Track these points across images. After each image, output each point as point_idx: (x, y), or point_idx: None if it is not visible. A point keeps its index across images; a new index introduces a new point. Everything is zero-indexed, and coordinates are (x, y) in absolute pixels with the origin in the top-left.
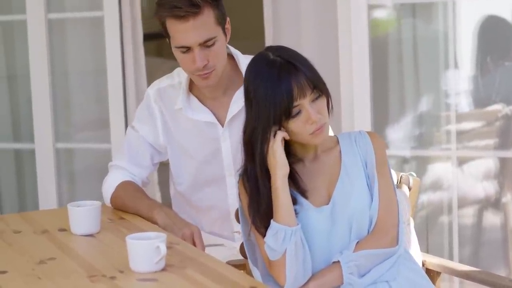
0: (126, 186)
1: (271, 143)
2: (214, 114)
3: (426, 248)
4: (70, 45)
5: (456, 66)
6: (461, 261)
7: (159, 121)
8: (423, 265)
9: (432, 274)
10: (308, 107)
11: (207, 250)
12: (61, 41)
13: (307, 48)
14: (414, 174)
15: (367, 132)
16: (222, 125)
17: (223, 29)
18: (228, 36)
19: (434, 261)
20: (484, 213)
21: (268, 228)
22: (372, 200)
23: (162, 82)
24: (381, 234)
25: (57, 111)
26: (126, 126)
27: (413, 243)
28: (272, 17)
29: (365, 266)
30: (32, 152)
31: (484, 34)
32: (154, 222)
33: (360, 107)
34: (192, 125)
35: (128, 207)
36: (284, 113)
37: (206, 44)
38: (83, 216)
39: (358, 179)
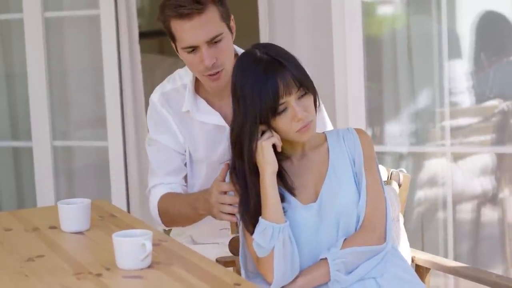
0: (164, 200)
1: (259, 141)
2: (222, 115)
3: (421, 244)
4: (67, 43)
5: (453, 61)
6: (457, 258)
7: (172, 122)
8: (412, 261)
9: (421, 270)
10: (294, 105)
11: (202, 248)
12: (58, 39)
13: (301, 45)
14: (404, 170)
15: (355, 129)
16: (230, 125)
17: (228, 26)
18: (234, 34)
19: (423, 257)
20: (481, 209)
21: (256, 225)
22: (359, 198)
23: (165, 87)
24: (369, 231)
25: (54, 109)
26: (123, 123)
27: (402, 239)
28: (267, 15)
29: (352, 263)
30: (30, 150)
31: (482, 29)
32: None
33: (355, 104)
34: (200, 127)
35: (176, 218)
36: (270, 110)
37: (213, 41)
38: (73, 214)
39: (346, 176)
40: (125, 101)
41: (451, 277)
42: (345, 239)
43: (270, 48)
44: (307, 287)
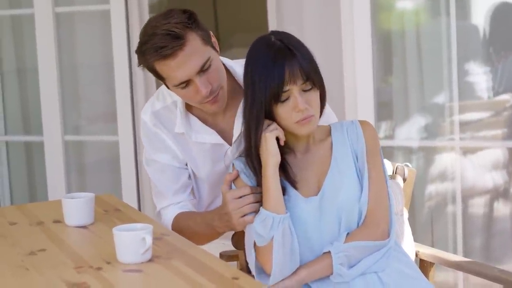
0: (178, 221)
1: (263, 133)
2: (219, 132)
3: (430, 239)
4: (78, 38)
5: (464, 56)
6: (468, 253)
7: (168, 140)
8: (416, 255)
9: (425, 265)
10: (297, 95)
11: (207, 246)
12: (68, 34)
13: (310, 41)
14: (410, 165)
15: (359, 121)
16: (228, 142)
17: (212, 46)
18: (218, 49)
19: (427, 251)
20: (493, 203)
21: (257, 214)
22: (361, 192)
23: (154, 105)
24: (372, 226)
25: (65, 104)
26: (134, 118)
27: (406, 234)
28: (276, 10)
29: (355, 257)
30: (41, 145)
31: (495, 22)
32: (222, 233)
33: (364, 99)
34: (197, 147)
35: (193, 238)
36: (274, 96)
37: (203, 69)
38: (76, 208)
39: (348, 171)
40: (136, 96)
41: (460, 272)
42: (348, 234)
43: (285, 36)
44: (309, 279)
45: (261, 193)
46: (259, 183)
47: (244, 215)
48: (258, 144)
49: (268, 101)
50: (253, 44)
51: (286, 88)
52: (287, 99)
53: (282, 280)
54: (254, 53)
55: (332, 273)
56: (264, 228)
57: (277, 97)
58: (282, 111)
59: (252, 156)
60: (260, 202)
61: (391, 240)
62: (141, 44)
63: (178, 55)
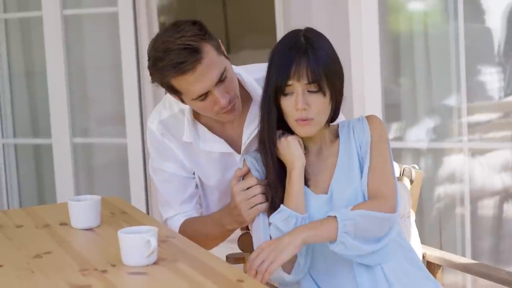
0: (186, 227)
1: (284, 137)
2: (227, 140)
3: (439, 241)
4: (86, 41)
5: (473, 57)
6: (476, 255)
7: (176, 150)
8: (423, 257)
9: (432, 267)
10: (299, 93)
11: (214, 249)
12: (77, 37)
13: None
14: (417, 167)
15: (366, 116)
16: (236, 150)
17: (224, 55)
18: (228, 57)
19: (434, 253)
20: (502, 205)
21: (277, 211)
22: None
23: (161, 114)
24: (380, 199)
25: (74, 106)
26: (142, 121)
27: (413, 236)
28: (283, 11)
29: (362, 227)
30: (50, 147)
31: (504, 24)
32: (232, 230)
33: (372, 100)
34: (206, 156)
35: (202, 242)
36: (279, 87)
37: (221, 79)
38: (83, 210)
39: (354, 171)
40: (145, 98)
41: (468, 274)
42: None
43: (313, 35)
44: (311, 240)
45: (266, 185)
46: (267, 177)
47: (253, 207)
48: (274, 140)
49: (275, 90)
50: (286, 33)
51: (290, 82)
52: (290, 94)
53: (283, 235)
54: (280, 41)
55: (334, 238)
56: (287, 226)
57: (281, 88)
58: (285, 105)
59: (267, 151)
60: (265, 194)
61: (397, 215)
62: (155, 61)
63: (197, 69)
